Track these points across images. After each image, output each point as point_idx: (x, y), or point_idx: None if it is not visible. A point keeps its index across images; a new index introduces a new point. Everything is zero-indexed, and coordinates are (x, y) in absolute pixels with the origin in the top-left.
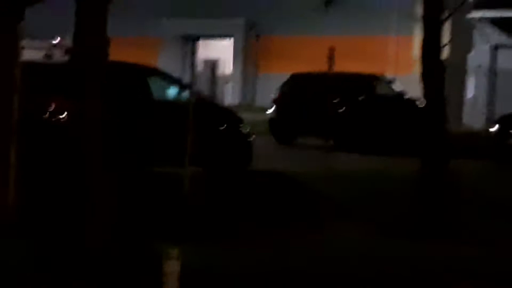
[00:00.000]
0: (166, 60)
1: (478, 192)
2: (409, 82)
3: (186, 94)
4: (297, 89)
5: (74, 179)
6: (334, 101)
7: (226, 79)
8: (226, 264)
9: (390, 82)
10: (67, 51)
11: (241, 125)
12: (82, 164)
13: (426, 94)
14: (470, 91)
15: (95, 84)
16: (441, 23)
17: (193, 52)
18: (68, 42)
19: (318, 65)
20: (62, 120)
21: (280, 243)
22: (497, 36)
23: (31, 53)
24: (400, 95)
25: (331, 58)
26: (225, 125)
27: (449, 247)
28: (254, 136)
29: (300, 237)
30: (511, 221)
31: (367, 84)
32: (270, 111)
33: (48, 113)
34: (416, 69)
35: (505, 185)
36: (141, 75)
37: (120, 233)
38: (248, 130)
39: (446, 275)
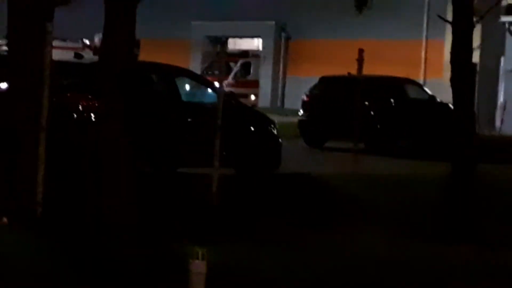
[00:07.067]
0: (197, 62)
1: (507, 197)
2: (440, 86)
3: (215, 94)
4: (327, 92)
5: (101, 177)
6: (365, 104)
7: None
8: (252, 265)
9: (421, 85)
10: (96, 51)
11: (271, 126)
12: (106, 162)
13: (456, 98)
14: (502, 96)
15: (121, 83)
16: (471, 27)
17: (223, 54)
18: (97, 42)
19: (348, 69)
20: (90, 118)
21: (307, 245)
22: None
23: (61, 53)
24: (432, 98)
25: (360, 61)
26: (255, 126)
27: (475, 251)
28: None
29: (326, 240)
30: None
31: (398, 87)
32: (300, 113)
33: (76, 111)
34: (447, 73)
35: None
36: (170, 75)
37: (147, 233)
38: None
39: (468, 279)
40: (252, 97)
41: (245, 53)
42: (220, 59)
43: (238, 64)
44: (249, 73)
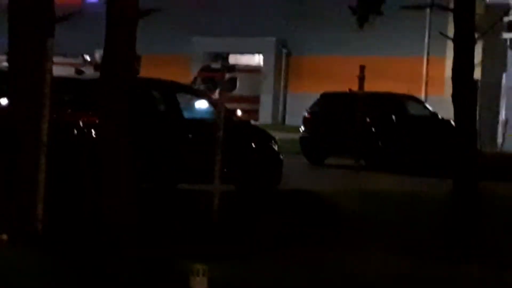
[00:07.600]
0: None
1: (510, 214)
2: (441, 103)
3: (215, 110)
4: (327, 109)
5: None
6: (366, 120)
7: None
8: (253, 281)
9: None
10: (97, 67)
11: (272, 142)
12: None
13: (457, 115)
14: (504, 112)
15: (123, 99)
16: (472, 44)
17: (223, 70)
18: (98, 58)
19: (349, 85)
20: (91, 134)
21: (308, 262)
22: None
23: (62, 69)
24: (434, 115)
25: (361, 77)
26: (256, 143)
27: (482, 269)
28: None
29: (327, 257)
30: None
31: (399, 103)
32: (301, 130)
33: (77, 127)
34: (448, 90)
35: None
36: (170, 91)
37: (147, 249)
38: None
39: None
40: (239, 113)
41: (231, 68)
42: (202, 74)
43: (224, 79)
44: (235, 88)
